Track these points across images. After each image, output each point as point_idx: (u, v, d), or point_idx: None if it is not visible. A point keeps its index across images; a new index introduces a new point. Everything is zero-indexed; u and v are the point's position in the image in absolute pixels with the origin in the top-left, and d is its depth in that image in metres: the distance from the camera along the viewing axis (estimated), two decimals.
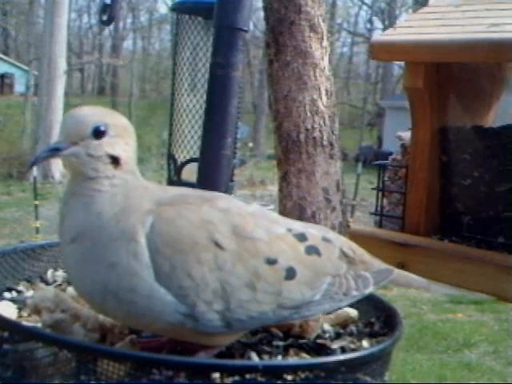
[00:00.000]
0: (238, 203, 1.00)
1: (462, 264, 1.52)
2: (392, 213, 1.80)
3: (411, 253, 1.61)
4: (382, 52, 1.67)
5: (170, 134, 1.45)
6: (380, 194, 1.84)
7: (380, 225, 1.81)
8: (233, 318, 0.91)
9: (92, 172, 0.94)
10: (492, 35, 1.47)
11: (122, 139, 0.96)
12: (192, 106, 1.42)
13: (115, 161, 0.95)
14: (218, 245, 0.91)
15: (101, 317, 1.01)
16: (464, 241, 1.63)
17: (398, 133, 1.83)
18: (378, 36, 1.72)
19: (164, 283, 0.89)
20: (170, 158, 1.42)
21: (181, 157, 1.41)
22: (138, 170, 0.99)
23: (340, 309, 1.10)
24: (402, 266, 1.62)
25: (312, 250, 0.98)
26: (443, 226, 1.70)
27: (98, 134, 0.94)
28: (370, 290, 1.01)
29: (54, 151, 0.93)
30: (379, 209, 1.82)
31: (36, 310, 1.01)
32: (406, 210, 1.73)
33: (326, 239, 1.01)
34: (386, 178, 1.83)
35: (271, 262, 0.93)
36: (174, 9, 1.45)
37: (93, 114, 0.96)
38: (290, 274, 0.94)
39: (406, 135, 1.79)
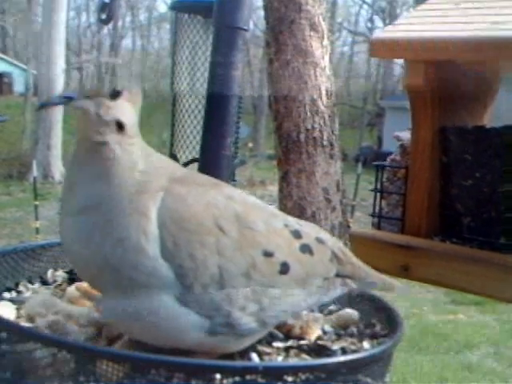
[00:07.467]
0: (240, 193, 1.00)
1: (468, 266, 1.50)
2: (391, 214, 1.76)
3: (414, 255, 1.59)
4: (383, 50, 1.63)
5: (172, 134, 1.44)
6: (378, 195, 1.80)
7: (378, 227, 1.77)
8: None
9: (96, 135, 0.92)
10: (497, 33, 1.45)
11: (133, 105, 0.95)
12: (194, 106, 1.41)
13: (120, 126, 0.93)
14: (221, 230, 0.91)
15: (93, 312, 1.01)
16: (465, 242, 1.61)
17: (396, 133, 1.80)
18: (379, 33, 1.70)
19: (166, 259, 0.88)
20: (172, 158, 1.41)
21: (183, 157, 1.41)
22: None
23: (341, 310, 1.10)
24: (405, 268, 1.60)
25: (306, 249, 0.97)
26: (443, 228, 1.67)
27: (116, 94, 0.92)
28: None
29: (67, 99, 0.92)
30: (378, 210, 1.79)
31: (29, 318, 1.00)
32: (406, 212, 1.70)
33: (319, 239, 1.00)
34: (384, 179, 1.80)
35: (268, 254, 0.93)
36: (173, 7, 1.45)
37: None
38: (285, 268, 0.94)
39: (405, 135, 1.76)
